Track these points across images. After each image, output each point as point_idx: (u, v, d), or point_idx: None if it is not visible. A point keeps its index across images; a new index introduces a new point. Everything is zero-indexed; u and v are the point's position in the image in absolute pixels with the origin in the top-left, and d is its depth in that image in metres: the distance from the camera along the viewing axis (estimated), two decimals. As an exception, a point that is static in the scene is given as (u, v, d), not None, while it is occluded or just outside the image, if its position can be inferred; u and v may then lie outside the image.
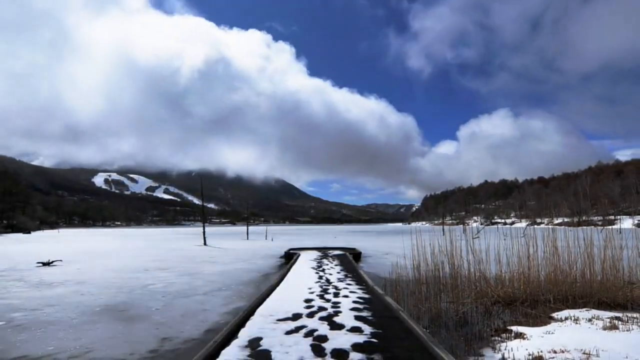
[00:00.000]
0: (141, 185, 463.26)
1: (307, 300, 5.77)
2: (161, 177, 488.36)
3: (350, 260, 12.22)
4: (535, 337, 4.28)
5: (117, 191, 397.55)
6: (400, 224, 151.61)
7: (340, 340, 3.77)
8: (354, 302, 5.63)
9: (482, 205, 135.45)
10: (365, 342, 3.72)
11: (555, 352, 3.72)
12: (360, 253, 15.40)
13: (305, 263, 11.30)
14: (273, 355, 3.36)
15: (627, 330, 4.37)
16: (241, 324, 4.43)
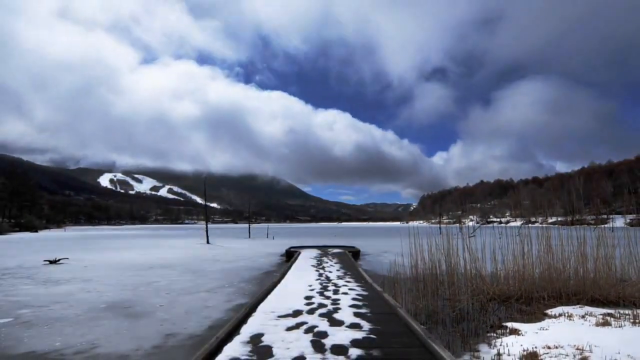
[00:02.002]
0: (146, 185, 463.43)
1: (308, 297, 5.76)
2: (165, 177, 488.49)
3: (349, 258, 12.20)
4: (530, 333, 4.28)
5: (122, 191, 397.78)
6: (398, 223, 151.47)
7: (339, 336, 3.76)
8: (353, 299, 5.62)
9: (478, 205, 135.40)
10: (364, 338, 3.71)
11: (549, 347, 3.72)
12: (359, 251, 15.41)
13: (305, 261, 11.29)
14: (274, 351, 3.36)
15: (619, 327, 4.37)
16: (243, 320, 4.42)
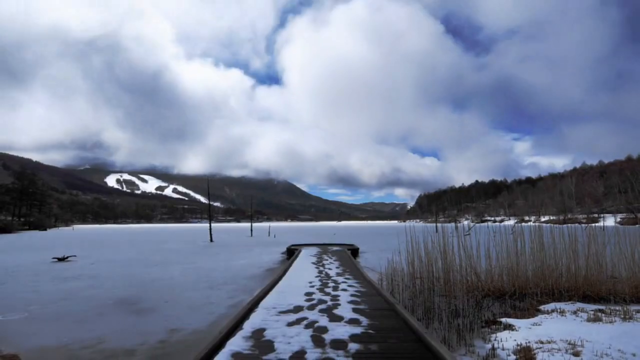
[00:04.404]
0: (151, 185, 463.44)
1: (308, 294, 5.75)
2: (170, 177, 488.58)
3: (348, 255, 12.19)
4: (524, 329, 4.27)
5: (128, 190, 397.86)
6: (395, 222, 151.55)
7: (339, 331, 3.76)
8: (352, 295, 5.61)
9: (473, 204, 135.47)
10: (362, 333, 3.71)
11: (542, 342, 3.72)
12: (357, 249, 15.38)
13: (305, 258, 11.28)
14: (276, 345, 3.35)
15: (610, 322, 4.37)
16: (245, 316, 4.42)
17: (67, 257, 12.97)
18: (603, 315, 4.69)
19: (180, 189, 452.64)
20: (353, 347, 3.30)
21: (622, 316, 4.61)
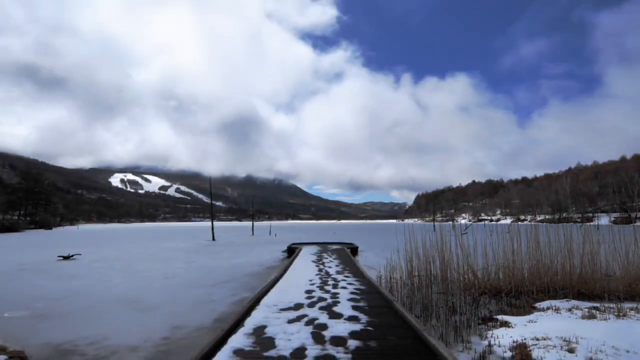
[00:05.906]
0: (154, 184, 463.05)
1: (308, 291, 5.76)
2: (173, 177, 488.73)
3: (348, 254, 12.18)
4: (520, 326, 4.28)
5: (132, 190, 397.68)
6: (394, 221, 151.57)
7: (338, 328, 3.76)
8: (352, 293, 5.62)
9: (470, 203, 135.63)
10: (362, 330, 3.72)
11: (537, 339, 3.72)
12: (357, 247, 15.38)
13: (306, 257, 11.28)
14: (276, 342, 3.36)
15: (604, 320, 4.37)
16: (247, 313, 4.42)
17: (72, 256, 12.98)
18: (597, 312, 4.69)
19: (183, 188, 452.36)
20: (352, 343, 3.31)
21: (616, 313, 4.61)
